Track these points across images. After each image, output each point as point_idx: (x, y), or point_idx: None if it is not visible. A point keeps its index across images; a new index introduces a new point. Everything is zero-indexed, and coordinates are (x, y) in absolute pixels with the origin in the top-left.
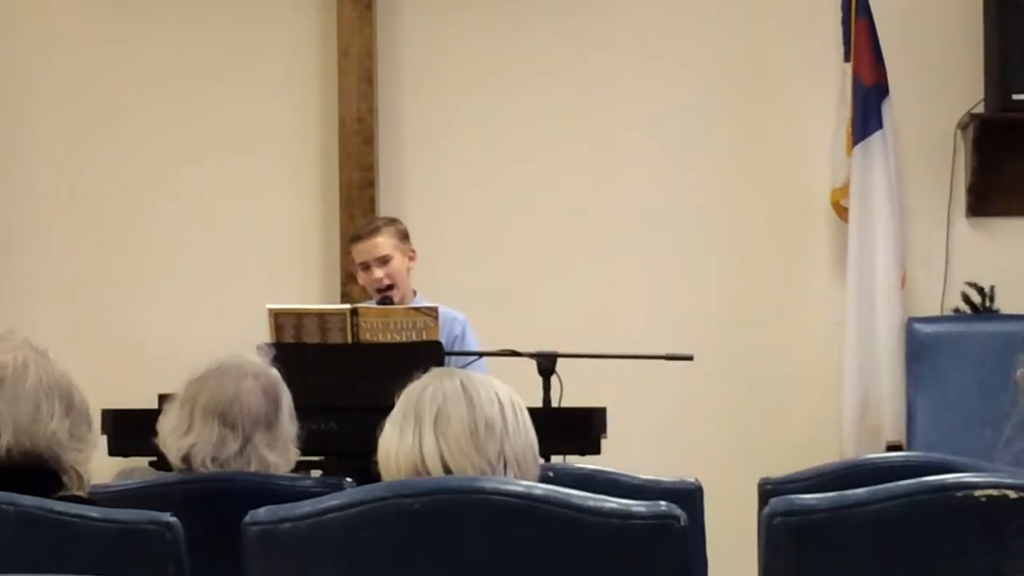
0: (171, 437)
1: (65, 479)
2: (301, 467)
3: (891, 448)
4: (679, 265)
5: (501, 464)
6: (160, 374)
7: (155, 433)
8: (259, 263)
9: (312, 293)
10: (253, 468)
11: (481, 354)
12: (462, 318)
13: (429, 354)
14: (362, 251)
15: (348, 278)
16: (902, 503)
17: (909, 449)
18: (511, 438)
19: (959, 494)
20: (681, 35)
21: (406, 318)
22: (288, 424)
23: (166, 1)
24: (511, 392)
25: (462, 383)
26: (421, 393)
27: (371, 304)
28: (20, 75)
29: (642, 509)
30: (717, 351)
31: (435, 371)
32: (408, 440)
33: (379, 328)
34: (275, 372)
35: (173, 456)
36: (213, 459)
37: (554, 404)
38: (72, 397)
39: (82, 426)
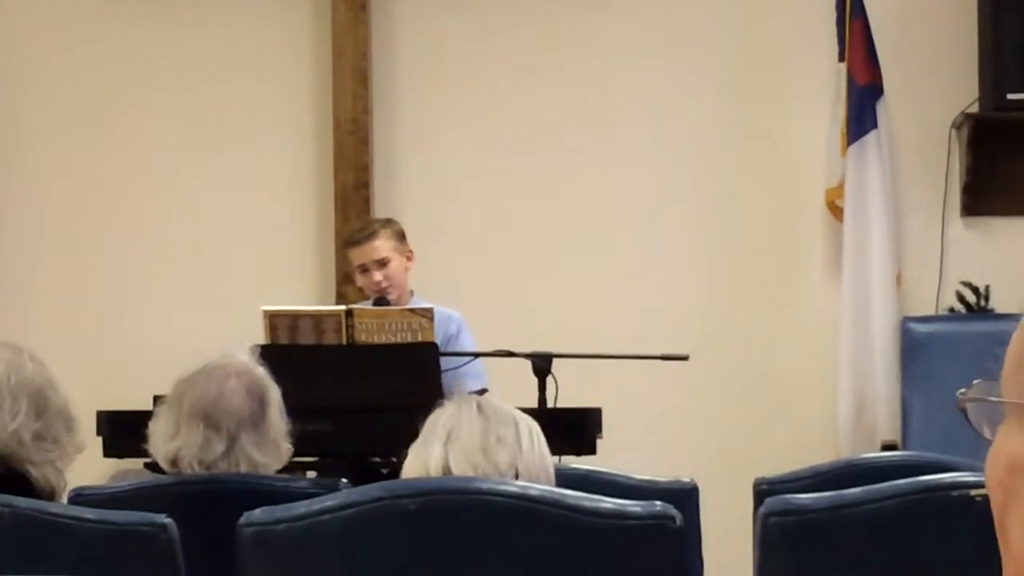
0: (159, 441)
1: (32, 482)
2: (296, 468)
3: (886, 447)
4: (674, 265)
5: (511, 474)
6: (155, 375)
7: (147, 438)
8: (254, 264)
9: (307, 294)
10: (242, 469)
11: (476, 355)
12: (457, 316)
13: (424, 355)
14: (360, 254)
15: (343, 279)
16: (897, 503)
17: (904, 448)
18: (524, 457)
19: (954, 493)
20: (676, 35)
21: (401, 319)
22: (277, 421)
23: (161, 3)
24: (531, 421)
25: (479, 406)
26: (438, 417)
27: (366, 305)
28: (14, 75)
29: (638, 509)
30: (712, 351)
31: (456, 397)
32: (415, 455)
33: (374, 329)
34: (261, 370)
35: (162, 460)
36: (199, 462)
37: (549, 404)
38: (47, 399)
39: (55, 428)
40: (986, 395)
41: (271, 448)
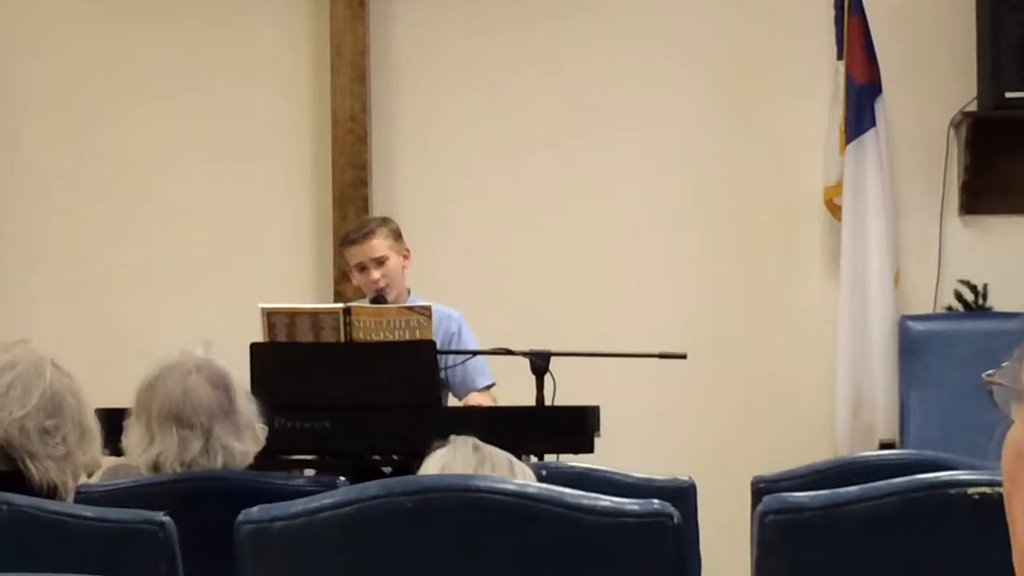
0: (136, 451)
1: (30, 478)
2: (294, 466)
3: (884, 446)
4: (673, 263)
5: None
6: None
7: (120, 452)
8: (252, 262)
9: (305, 292)
10: (220, 461)
11: (475, 353)
12: (458, 315)
13: (422, 353)
14: (357, 253)
15: (341, 277)
16: (895, 501)
17: (902, 447)
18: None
19: (952, 492)
20: (675, 34)
21: (399, 317)
22: (246, 405)
23: (159, 1)
24: (525, 466)
25: (475, 445)
26: (432, 456)
27: (364, 303)
28: (11, 76)
29: (635, 507)
30: (711, 349)
31: (452, 438)
32: None
33: (372, 327)
34: (219, 360)
35: (143, 469)
36: (181, 463)
37: (547, 403)
38: (62, 403)
39: (65, 429)
40: (1008, 380)
41: (247, 433)
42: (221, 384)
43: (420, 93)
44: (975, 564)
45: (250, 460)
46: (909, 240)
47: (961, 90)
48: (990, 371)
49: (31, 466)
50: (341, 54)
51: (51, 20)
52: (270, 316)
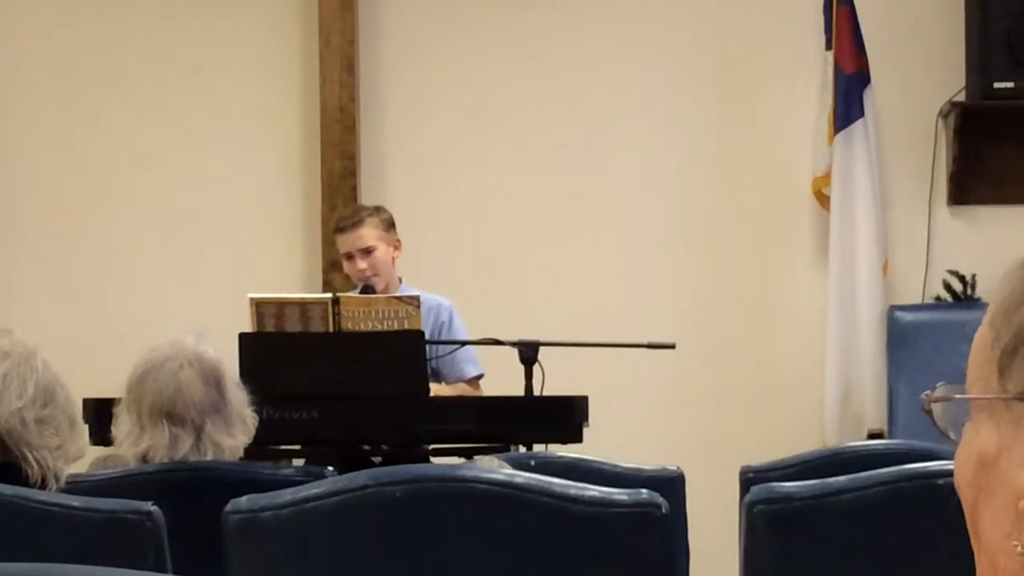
0: (126, 443)
1: (25, 467)
2: (283, 456)
3: (872, 436)
4: (661, 254)
5: None
6: None
7: (109, 442)
8: (241, 252)
9: (294, 282)
10: (209, 458)
11: (463, 343)
12: (448, 304)
13: (410, 343)
14: (346, 242)
15: (330, 266)
16: (883, 491)
17: (890, 437)
18: None
19: (940, 482)
20: (663, 23)
21: (388, 307)
22: (237, 397)
23: None
24: None
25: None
26: None
27: (354, 293)
28: (3, 65)
29: (624, 497)
30: (699, 340)
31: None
32: None
33: (360, 317)
34: (209, 351)
35: (131, 459)
36: (171, 458)
37: (536, 393)
38: (54, 393)
39: (58, 419)
40: (952, 394)
41: (238, 426)
42: (213, 379)
43: (409, 83)
44: (962, 554)
45: (240, 454)
46: (897, 230)
47: (949, 80)
48: (927, 392)
49: (29, 456)
50: (330, 44)
51: (38, 11)
52: (259, 306)
